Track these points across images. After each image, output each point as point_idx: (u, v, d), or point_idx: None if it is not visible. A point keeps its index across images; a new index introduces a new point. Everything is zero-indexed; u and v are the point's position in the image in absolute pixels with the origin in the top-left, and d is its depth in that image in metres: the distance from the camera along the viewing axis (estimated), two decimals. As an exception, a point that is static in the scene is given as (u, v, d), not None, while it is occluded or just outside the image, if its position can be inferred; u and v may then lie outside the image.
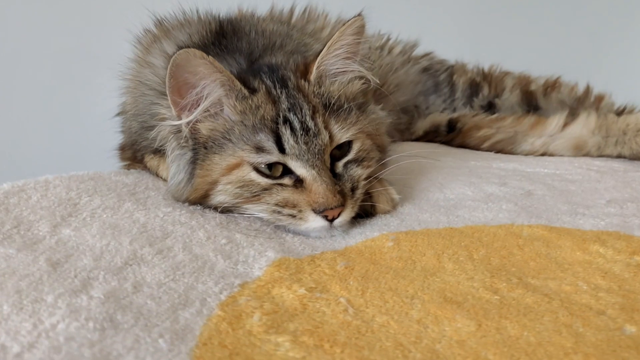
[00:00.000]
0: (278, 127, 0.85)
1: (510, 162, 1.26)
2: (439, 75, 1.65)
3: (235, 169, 0.86)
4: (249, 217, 0.88)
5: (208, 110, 0.87)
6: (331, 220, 0.84)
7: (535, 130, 1.37)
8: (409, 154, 1.14)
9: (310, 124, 0.86)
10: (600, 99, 1.50)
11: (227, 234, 0.80)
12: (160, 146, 0.94)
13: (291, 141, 0.85)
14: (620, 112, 1.43)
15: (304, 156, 0.85)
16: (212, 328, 0.56)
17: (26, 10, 1.89)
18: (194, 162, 0.89)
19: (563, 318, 0.60)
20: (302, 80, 0.91)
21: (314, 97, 0.90)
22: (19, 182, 0.88)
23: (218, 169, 0.87)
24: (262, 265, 0.72)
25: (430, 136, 1.53)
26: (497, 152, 1.43)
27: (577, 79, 1.56)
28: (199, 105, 0.86)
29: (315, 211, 0.84)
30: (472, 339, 0.56)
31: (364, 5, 0.91)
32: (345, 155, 0.91)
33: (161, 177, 1.05)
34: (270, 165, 0.86)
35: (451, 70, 1.65)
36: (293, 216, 0.84)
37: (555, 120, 1.35)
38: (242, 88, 0.86)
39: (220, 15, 1.14)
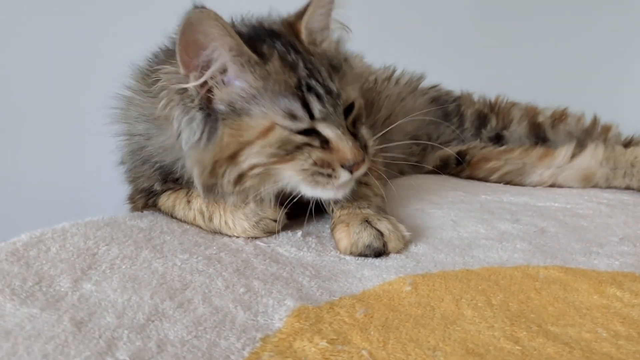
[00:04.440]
0: (304, 94, 0.91)
1: (520, 196, 1.26)
2: (448, 106, 1.66)
3: (270, 131, 0.91)
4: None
5: (221, 73, 0.91)
6: (352, 173, 0.94)
7: (544, 161, 1.37)
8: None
9: (332, 86, 0.94)
10: (607, 129, 1.51)
11: (245, 282, 0.80)
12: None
13: (319, 106, 0.92)
14: (627, 144, 1.44)
15: (331, 117, 0.93)
16: (238, 389, 0.56)
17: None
18: (213, 121, 0.91)
19: (586, 370, 0.60)
20: (307, 44, 0.97)
21: (322, 58, 0.97)
22: (37, 232, 0.88)
23: (252, 132, 0.90)
24: (282, 315, 0.72)
25: (441, 169, 1.53)
26: (506, 183, 1.43)
27: (583, 108, 1.57)
28: (209, 68, 0.90)
29: (344, 167, 0.93)
30: (497, 395, 0.56)
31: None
32: (349, 113, 0.99)
33: (176, 218, 1.06)
34: None
35: (459, 102, 1.66)
36: (329, 175, 0.92)
37: (564, 152, 1.35)
38: (252, 55, 0.90)
39: None
